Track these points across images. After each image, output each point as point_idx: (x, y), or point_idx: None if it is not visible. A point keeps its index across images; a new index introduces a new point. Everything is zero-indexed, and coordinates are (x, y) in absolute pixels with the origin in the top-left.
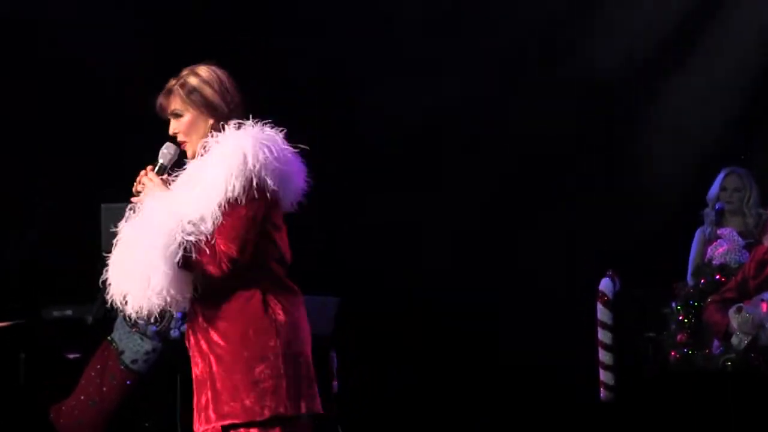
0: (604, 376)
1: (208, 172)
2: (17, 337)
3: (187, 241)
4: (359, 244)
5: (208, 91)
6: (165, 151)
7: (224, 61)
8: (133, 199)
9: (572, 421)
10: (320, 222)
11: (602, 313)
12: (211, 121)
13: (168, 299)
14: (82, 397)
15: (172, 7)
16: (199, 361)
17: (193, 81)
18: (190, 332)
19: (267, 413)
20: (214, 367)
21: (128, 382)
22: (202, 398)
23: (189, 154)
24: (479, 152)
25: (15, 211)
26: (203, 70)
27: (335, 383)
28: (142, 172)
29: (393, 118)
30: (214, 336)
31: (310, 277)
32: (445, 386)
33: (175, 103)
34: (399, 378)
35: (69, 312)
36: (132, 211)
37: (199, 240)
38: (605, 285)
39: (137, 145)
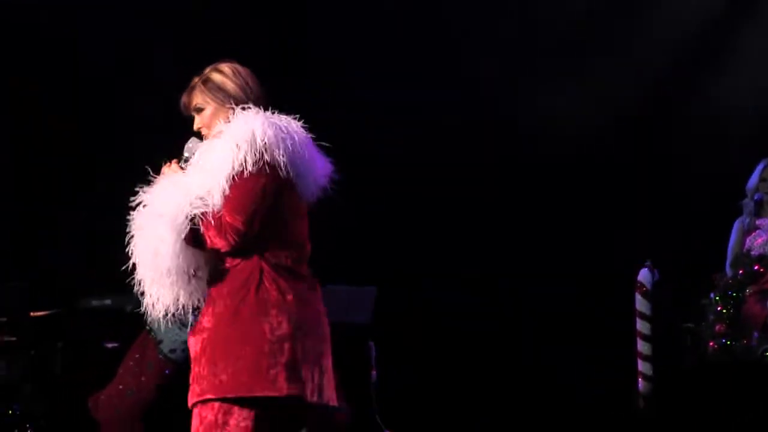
0: (642, 366)
1: (217, 149)
2: (55, 327)
3: (194, 213)
4: (399, 235)
5: (229, 85)
6: (189, 145)
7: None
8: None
9: (611, 412)
10: (359, 213)
11: (641, 303)
12: (228, 113)
13: (175, 276)
14: (120, 387)
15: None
16: (198, 336)
17: (215, 76)
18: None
19: (242, 391)
20: (204, 344)
21: (166, 372)
22: (193, 373)
23: None
24: (516, 143)
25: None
26: (224, 66)
27: (374, 373)
28: (166, 165)
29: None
30: (210, 313)
31: (349, 268)
32: (483, 376)
33: (197, 99)
34: (436, 368)
35: (107, 301)
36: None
37: (206, 213)
38: (644, 275)
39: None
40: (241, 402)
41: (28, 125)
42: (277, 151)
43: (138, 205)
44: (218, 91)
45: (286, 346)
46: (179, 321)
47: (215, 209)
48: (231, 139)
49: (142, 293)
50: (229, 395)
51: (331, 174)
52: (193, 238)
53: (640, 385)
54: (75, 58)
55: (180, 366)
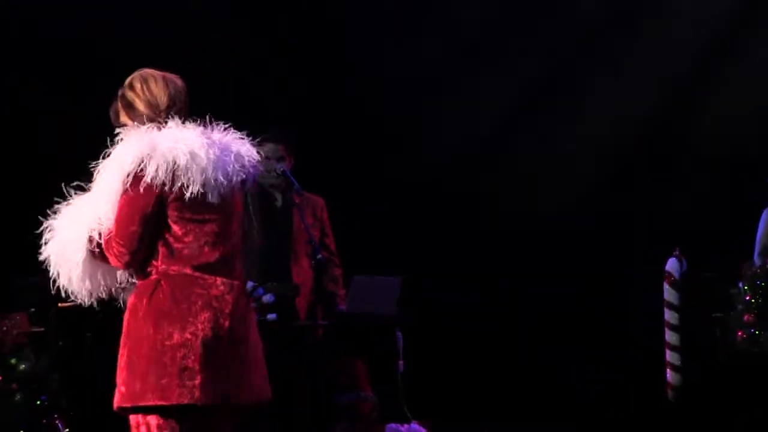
0: (670, 356)
1: (104, 171)
2: (83, 318)
3: (91, 235)
4: (428, 225)
5: (138, 103)
6: None
7: None
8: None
9: (639, 401)
10: (389, 205)
11: (669, 293)
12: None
13: (84, 293)
14: None
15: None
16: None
17: (128, 94)
18: None
19: (135, 401)
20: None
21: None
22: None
23: None
24: (556, 135)
25: None
26: (137, 81)
27: (401, 363)
28: None
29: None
30: (125, 319)
31: (375, 258)
32: (510, 361)
33: (115, 111)
34: (464, 357)
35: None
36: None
37: (101, 234)
38: (672, 265)
39: None
40: (146, 410)
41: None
42: (155, 169)
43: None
44: (130, 109)
45: (178, 355)
46: None
47: (106, 230)
48: (114, 163)
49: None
50: (125, 405)
51: (252, 160)
52: (93, 255)
53: (668, 375)
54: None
55: None
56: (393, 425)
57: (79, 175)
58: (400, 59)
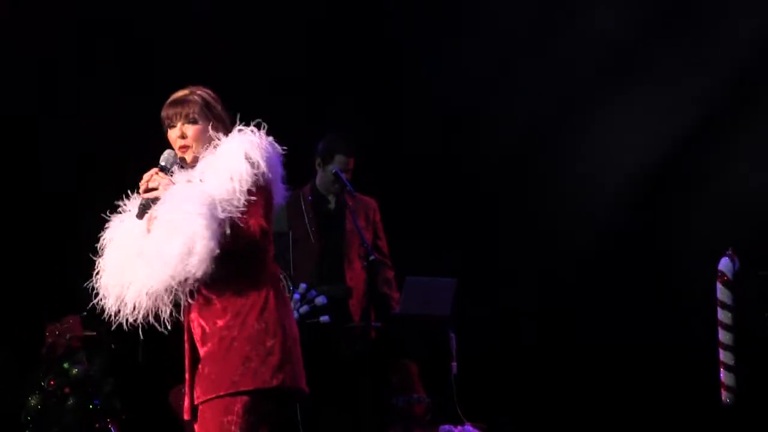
0: (723, 356)
1: (223, 163)
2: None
3: (224, 216)
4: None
5: (219, 107)
6: (166, 155)
7: None
8: (142, 195)
9: (692, 402)
10: (444, 206)
11: (722, 292)
12: (216, 134)
13: (201, 274)
14: None
15: None
16: (201, 341)
17: (206, 95)
18: (195, 316)
19: (275, 383)
20: (211, 346)
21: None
22: (205, 370)
23: (189, 159)
24: (601, 135)
25: None
26: (209, 91)
27: (454, 364)
28: (149, 173)
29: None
30: (219, 321)
31: (429, 259)
32: (560, 365)
33: (192, 109)
34: (516, 358)
35: None
36: (143, 205)
37: (234, 215)
38: (725, 264)
39: None
40: (268, 393)
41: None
42: (270, 169)
43: (143, 207)
44: (210, 110)
45: (296, 344)
46: None
47: (240, 211)
48: (239, 152)
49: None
50: (262, 387)
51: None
52: (224, 236)
53: (722, 375)
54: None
55: None
56: (446, 427)
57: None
58: (456, 60)
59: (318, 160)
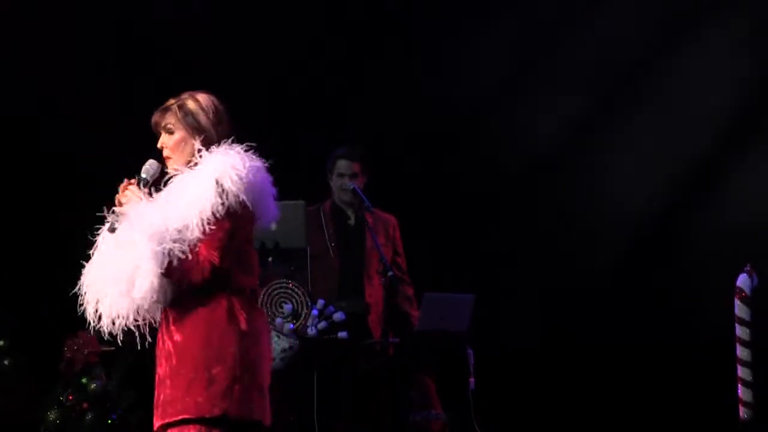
0: (742, 372)
1: (191, 187)
2: (154, 335)
3: (171, 247)
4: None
5: (202, 117)
6: (147, 166)
7: None
8: (115, 209)
9: (710, 418)
10: (459, 222)
11: (740, 309)
12: (197, 144)
13: (147, 305)
14: None
15: None
16: (163, 361)
17: (191, 105)
18: (160, 335)
19: (217, 412)
20: (174, 367)
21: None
22: (161, 395)
23: (171, 169)
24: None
25: None
26: (202, 97)
27: (472, 380)
28: (124, 184)
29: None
30: (178, 338)
31: (448, 276)
32: (579, 381)
33: (170, 119)
34: (534, 375)
35: None
36: (113, 220)
37: (183, 248)
38: (743, 281)
39: None
40: (212, 422)
41: None
42: (248, 191)
43: (113, 222)
44: (191, 120)
45: (255, 370)
46: (277, 330)
47: (191, 244)
48: (210, 178)
49: (87, 303)
50: (205, 416)
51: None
52: (168, 270)
53: (739, 391)
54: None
55: (279, 374)
56: None
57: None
58: (471, 78)
59: (327, 173)
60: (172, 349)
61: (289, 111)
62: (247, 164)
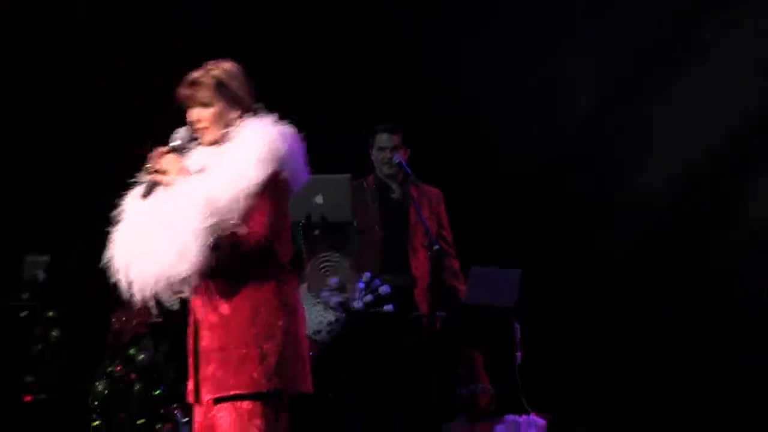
0: None
1: (234, 159)
2: None
3: (223, 220)
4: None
5: (235, 86)
6: (178, 135)
7: None
8: (149, 177)
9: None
10: (509, 196)
11: None
12: (234, 114)
13: (195, 278)
14: None
15: None
16: (207, 333)
17: (222, 75)
18: (199, 307)
19: (271, 386)
20: (223, 341)
21: (311, 354)
22: (208, 369)
23: (206, 141)
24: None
25: None
26: (229, 66)
27: (518, 354)
28: (157, 152)
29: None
30: (225, 311)
31: (494, 250)
32: (626, 356)
33: (204, 93)
34: (581, 348)
35: None
36: (148, 187)
37: (234, 221)
38: None
39: None
40: (266, 396)
41: None
42: (287, 163)
43: (149, 189)
44: (226, 91)
45: (300, 343)
46: (323, 303)
47: (241, 216)
48: (252, 149)
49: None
50: (262, 391)
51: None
52: (216, 245)
53: None
54: None
55: (325, 348)
56: (511, 417)
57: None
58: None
59: (368, 148)
60: (217, 322)
61: (329, 85)
62: (285, 134)
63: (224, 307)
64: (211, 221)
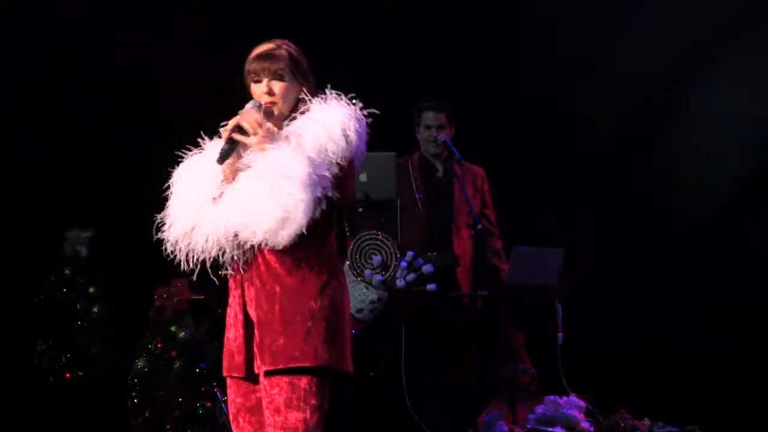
0: None
1: (320, 133)
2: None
3: (323, 193)
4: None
5: (304, 63)
6: (251, 104)
7: None
8: (235, 136)
9: None
10: (553, 177)
11: None
12: (301, 90)
13: (284, 244)
14: None
15: None
16: (265, 303)
17: (293, 51)
18: (255, 277)
19: (333, 362)
20: (285, 313)
21: (353, 332)
22: (265, 338)
23: (276, 112)
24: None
25: None
26: (292, 45)
27: (560, 335)
28: (241, 114)
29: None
30: (290, 282)
31: (538, 230)
32: (668, 338)
33: (280, 65)
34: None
35: None
36: (225, 151)
37: (333, 192)
38: None
39: None
40: (325, 371)
41: None
42: (360, 143)
43: (226, 153)
44: (298, 67)
45: (346, 322)
46: (366, 281)
47: (334, 185)
48: (336, 125)
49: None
50: (326, 365)
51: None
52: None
53: None
54: None
55: (368, 326)
56: (552, 397)
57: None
58: (560, 37)
59: (414, 126)
60: (281, 293)
61: (377, 65)
62: (356, 116)
63: (289, 279)
64: (314, 189)
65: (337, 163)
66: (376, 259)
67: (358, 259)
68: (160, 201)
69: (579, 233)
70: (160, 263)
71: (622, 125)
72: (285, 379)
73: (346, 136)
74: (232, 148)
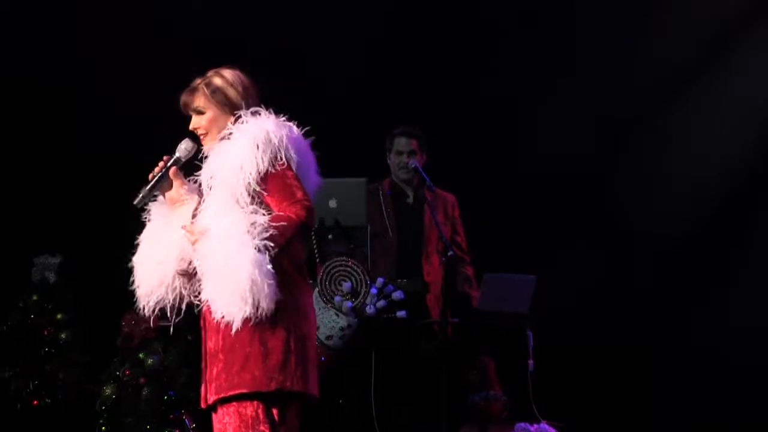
0: None
1: (234, 151)
2: None
3: (263, 242)
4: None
5: (231, 92)
6: (183, 146)
7: None
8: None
9: None
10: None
11: None
12: (231, 119)
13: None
14: None
15: None
16: (213, 335)
17: (217, 81)
18: (208, 311)
19: (273, 386)
20: (228, 340)
21: (323, 359)
22: (213, 370)
23: (206, 148)
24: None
25: None
26: (227, 72)
27: (531, 362)
28: (161, 162)
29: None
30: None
31: (508, 256)
32: (641, 363)
33: (198, 101)
34: (593, 356)
35: None
36: (143, 196)
37: (271, 233)
38: None
39: None
40: (268, 396)
41: None
42: (290, 149)
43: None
44: (220, 96)
45: (307, 344)
46: (336, 308)
47: (265, 215)
48: (249, 141)
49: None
50: (263, 390)
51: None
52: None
53: None
54: None
55: (337, 353)
56: (522, 425)
57: None
58: (525, 58)
59: (386, 151)
60: (213, 324)
61: (347, 93)
62: (279, 125)
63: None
64: (254, 252)
65: (260, 178)
66: (346, 285)
67: (327, 286)
68: (128, 228)
69: (550, 260)
70: (128, 290)
71: (595, 147)
72: (232, 407)
73: (262, 147)
74: (149, 195)
